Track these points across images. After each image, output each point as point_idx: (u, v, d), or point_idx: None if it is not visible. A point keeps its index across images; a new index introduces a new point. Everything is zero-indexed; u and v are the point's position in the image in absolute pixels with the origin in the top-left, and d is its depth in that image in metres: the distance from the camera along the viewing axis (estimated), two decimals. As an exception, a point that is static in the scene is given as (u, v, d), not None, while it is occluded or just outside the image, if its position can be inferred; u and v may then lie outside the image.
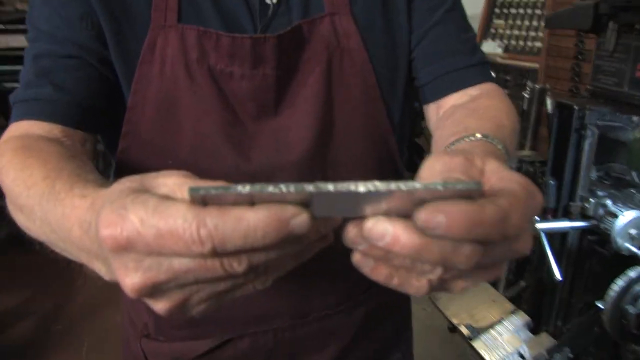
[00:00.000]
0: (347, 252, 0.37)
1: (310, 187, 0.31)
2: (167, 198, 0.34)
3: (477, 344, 1.51)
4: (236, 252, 0.32)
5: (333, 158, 0.70)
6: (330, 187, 0.31)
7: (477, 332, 1.54)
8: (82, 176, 0.48)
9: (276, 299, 0.75)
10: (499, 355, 1.45)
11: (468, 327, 1.56)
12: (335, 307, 0.79)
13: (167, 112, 0.64)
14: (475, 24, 3.08)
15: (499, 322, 1.55)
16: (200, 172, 0.66)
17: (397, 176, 0.77)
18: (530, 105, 1.98)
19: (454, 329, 1.69)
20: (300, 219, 0.32)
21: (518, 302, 1.77)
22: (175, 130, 0.65)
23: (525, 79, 2.37)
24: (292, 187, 0.31)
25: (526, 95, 2.00)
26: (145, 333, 0.78)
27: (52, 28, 0.63)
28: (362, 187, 0.31)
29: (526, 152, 1.85)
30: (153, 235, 0.32)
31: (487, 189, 0.36)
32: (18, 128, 0.62)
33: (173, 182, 0.36)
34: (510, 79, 2.66)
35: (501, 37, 2.91)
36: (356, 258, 0.36)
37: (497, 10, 2.98)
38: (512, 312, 1.57)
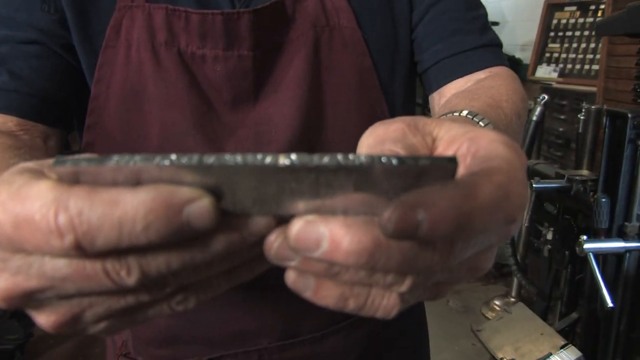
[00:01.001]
0: None
1: (210, 159, 0.23)
2: (39, 178, 0.26)
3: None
4: (119, 253, 0.24)
5: (322, 152, 0.60)
6: (239, 159, 0.23)
7: (522, 367, 1.40)
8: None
9: (260, 316, 0.65)
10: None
11: (512, 361, 1.43)
12: (330, 327, 0.68)
13: (132, 102, 0.58)
14: (530, 49, 2.98)
15: (547, 357, 1.40)
16: None
17: None
18: (586, 127, 1.83)
19: (497, 363, 1.55)
20: (197, 206, 0.24)
21: (572, 336, 1.61)
22: (142, 122, 0.58)
23: (582, 103, 2.22)
24: (184, 159, 0.23)
25: (581, 117, 1.86)
26: (123, 352, 0.71)
27: (11, 11, 0.57)
28: (282, 159, 0.23)
29: (582, 172, 1.71)
30: (11, 224, 0.24)
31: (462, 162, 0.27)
32: None
33: None
34: (566, 103, 2.52)
35: (556, 62, 2.79)
36: (290, 279, 0.27)
37: (551, 34, 2.87)
38: (562, 347, 1.41)
